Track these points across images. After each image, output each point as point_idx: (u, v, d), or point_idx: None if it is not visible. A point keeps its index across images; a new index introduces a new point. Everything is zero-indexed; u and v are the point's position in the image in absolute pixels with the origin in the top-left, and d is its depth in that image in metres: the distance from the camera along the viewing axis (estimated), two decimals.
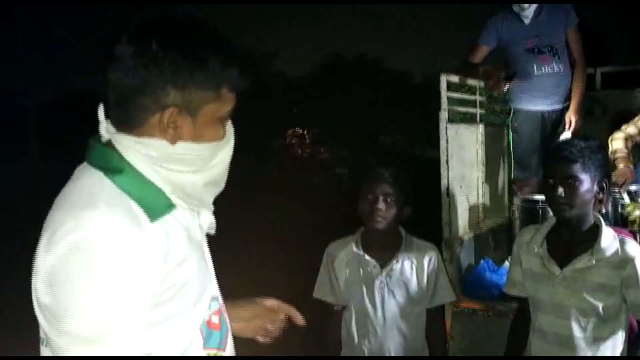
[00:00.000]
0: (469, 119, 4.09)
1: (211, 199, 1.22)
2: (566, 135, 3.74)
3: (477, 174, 4.01)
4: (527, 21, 3.83)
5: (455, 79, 3.72)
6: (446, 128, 3.45)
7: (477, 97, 4.10)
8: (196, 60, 1.07)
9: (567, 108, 3.91)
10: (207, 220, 1.23)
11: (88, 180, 1.08)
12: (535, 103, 3.91)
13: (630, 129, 3.64)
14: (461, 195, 3.70)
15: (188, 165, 1.12)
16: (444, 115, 3.46)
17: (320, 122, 16.38)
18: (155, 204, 1.08)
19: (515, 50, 3.91)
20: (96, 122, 1.14)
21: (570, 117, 3.78)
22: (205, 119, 1.11)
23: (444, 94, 3.52)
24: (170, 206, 1.12)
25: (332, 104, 15.73)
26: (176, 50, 1.06)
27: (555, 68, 3.84)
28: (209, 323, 1.17)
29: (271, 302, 1.50)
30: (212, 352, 1.17)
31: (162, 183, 1.11)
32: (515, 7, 3.82)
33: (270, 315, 1.48)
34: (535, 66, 3.85)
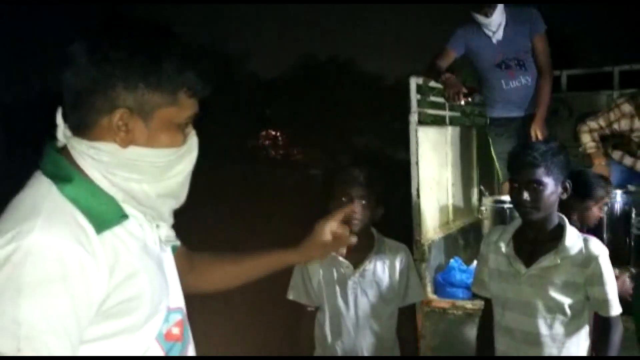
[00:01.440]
0: (439, 121, 4.14)
1: (168, 211, 1.16)
2: None
3: (446, 175, 4.07)
4: (491, 35, 3.85)
5: (425, 81, 3.76)
6: (416, 130, 3.48)
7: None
8: (149, 61, 1.04)
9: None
10: (165, 233, 1.18)
11: (35, 190, 1.05)
12: (509, 111, 3.99)
13: (592, 123, 3.77)
14: (431, 196, 3.74)
15: (141, 172, 1.08)
16: (413, 117, 3.50)
17: (293, 124, 16.37)
18: (105, 215, 1.04)
19: (483, 64, 3.97)
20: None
21: (536, 130, 3.80)
22: (159, 124, 1.07)
23: (414, 96, 3.55)
24: (122, 217, 1.07)
25: (305, 105, 15.75)
26: (128, 49, 1.03)
27: (523, 81, 3.90)
28: (167, 335, 1.13)
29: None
30: None
31: (114, 191, 1.07)
32: (480, 19, 3.80)
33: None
34: (503, 81, 3.92)
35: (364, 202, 2.27)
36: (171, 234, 1.22)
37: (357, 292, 2.33)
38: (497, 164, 4.16)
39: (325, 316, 2.37)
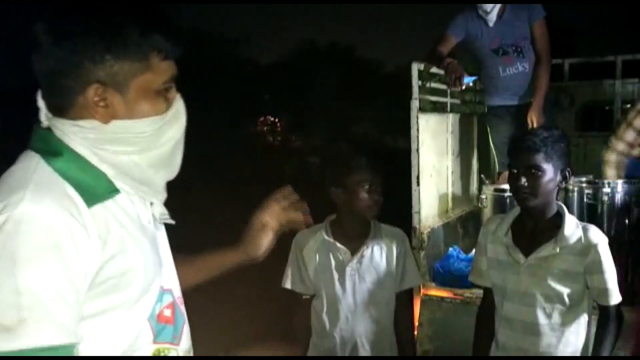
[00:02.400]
0: (440, 108, 4.11)
1: (161, 183, 1.15)
2: None
3: (447, 163, 4.05)
4: (490, 23, 3.86)
5: (426, 68, 3.73)
6: (417, 117, 3.46)
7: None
8: (110, 31, 1.02)
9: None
10: (159, 211, 1.17)
11: (25, 164, 1.04)
12: (507, 99, 3.98)
13: (619, 145, 3.55)
14: (431, 184, 3.73)
15: (129, 144, 1.07)
16: (415, 104, 3.47)
17: (292, 110, 16.33)
18: (95, 189, 1.03)
19: (481, 50, 3.96)
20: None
21: (532, 117, 3.81)
22: (138, 93, 1.05)
23: (415, 82, 3.53)
24: (113, 191, 1.06)
25: (304, 91, 15.70)
26: (86, 23, 1.02)
27: (520, 68, 3.89)
28: (159, 316, 1.11)
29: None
30: (164, 347, 1.12)
31: (105, 167, 1.06)
32: (479, 10, 3.84)
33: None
34: (500, 68, 3.90)
35: (371, 187, 2.26)
36: (164, 211, 1.20)
37: (355, 278, 2.32)
38: (494, 153, 4.14)
39: (323, 303, 2.36)
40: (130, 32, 1.03)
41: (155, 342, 1.10)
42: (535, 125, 3.77)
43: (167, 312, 1.14)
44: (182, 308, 1.21)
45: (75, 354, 0.96)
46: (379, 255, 2.35)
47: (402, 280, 2.39)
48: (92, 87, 1.02)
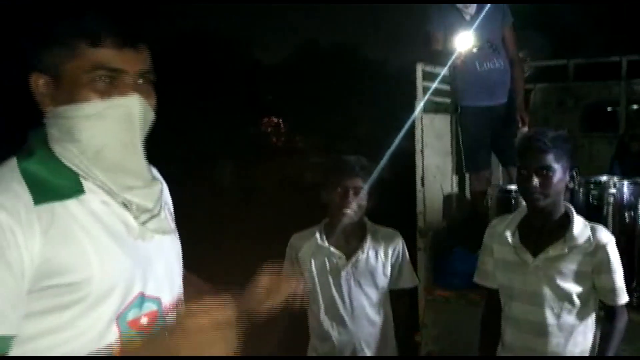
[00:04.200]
0: (443, 109, 4.10)
1: (120, 187, 1.08)
2: (523, 131, 3.79)
3: (450, 163, 4.03)
4: (467, 17, 3.86)
5: (430, 68, 3.73)
6: (421, 117, 3.45)
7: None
8: (37, 17, 1.05)
9: (510, 102, 3.96)
10: (155, 225, 1.14)
11: (2, 165, 1.07)
12: (481, 99, 3.93)
13: None
14: (435, 185, 3.72)
15: (76, 139, 1.04)
16: (419, 104, 3.46)
17: (295, 111, 16.33)
18: (57, 188, 1.03)
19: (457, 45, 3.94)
20: None
21: (521, 115, 3.87)
22: (71, 80, 1.03)
23: (420, 83, 3.52)
24: (78, 192, 1.05)
25: (307, 92, 15.70)
26: (20, 13, 1.04)
27: (497, 64, 3.89)
28: (133, 323, 1.08)
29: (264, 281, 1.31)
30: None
31: (73, 167, 1.06)
32: (459, 5, 3.86)
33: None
34: (477, 63, 3.87)
35: (359, 193, 2.25)
36: (164, 224, 1.18)
37: (351, 282, 2.31)
38: (463, 154, 4.03)
39: (320, 307, 2.35)
40: (57, 17, 1.02)
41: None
42: (525, 122, 3.85)
43: (144, 320, 1.10)
44: (170, 318, 1.16)
45: (8, 347, 0.96)
46: (374, 258, 2.34)
47: (398, 281, 2.38)
48: (33, 75, 1.04)
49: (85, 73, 1.03)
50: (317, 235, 2.35)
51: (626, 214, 3.26)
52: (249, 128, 16.48)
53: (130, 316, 1.08)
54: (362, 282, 2.31)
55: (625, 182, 3.32)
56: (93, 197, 1.07)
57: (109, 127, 1.05)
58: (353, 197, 2.24)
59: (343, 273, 2.31)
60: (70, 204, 1.04)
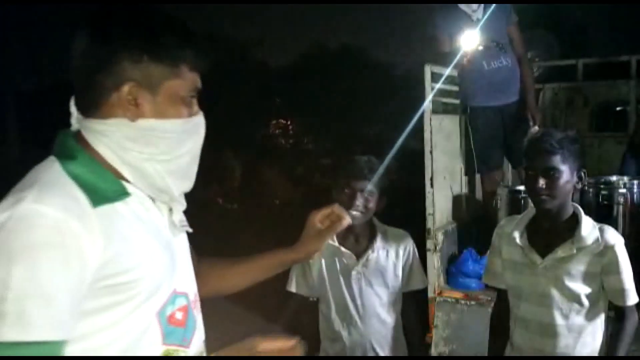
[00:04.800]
0: (451, 110, 4.10)
1: (177, 193, 1.18)
2: (534, 130, 3.78)
3: (460, 164, 4.04)
4: (474, 19, 3.88)
5: (439, 69, 3.73)
6: (430, 119, 3.46)
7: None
8: (151, 34, 1.09)
9: (521, 101, 3.96)
10: (179, 218, 1.21)
11: (40, 167, 1.08)
12: (491, 98, 3.94)
13: None
14: (445, 185, 3.72)
15: (152, 146, 1.11)
16: (428, 106, 3.47)
17: (304, 112, 16.33)
18: (104, 191, 1.06)
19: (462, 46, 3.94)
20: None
21: (533, 113, 3.86)
22: (166, 97, 1.11)
23: (428, 84, 3.53)
24: (123, 194, 1.09)
25: (316, 94, 15.70)
26: (129, 25, 1.09)
27: (504, 62, 3.89)
28: (170, 318, 1.13)
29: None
30: (172, 348, 1.13)
31: (126, 170, 1.11)
32: (463, 6, 3.88)
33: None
34: (484, 62, 3.88)
35: (367, 196, 2.26)
36: (184, 219, 1.24)
37: (362, 282, 2.32)
38: (474, 155, 4.06)
39: (330, 308, 2.36)
40: (167, 40, 1.10)
41: (164, 342, 1.12)
42: (536, 120, 3.83)
43: (179, 315, 1.16)
44: (196, 313, 1.23)
45: (61, 353, 0.97)
46: (384, 258, 2.35)
47: (408, 283, 2.39)
48: (127, 85, 1.07)
49: (183, 92, 1.13)
50: None
51: (636, 214, 3.26)
52: (258, 129, 16.50)
53: (168, 311, 1.13)
54: (373, 281, 2.32)
55: (635, 182, 3.31)
56: (133, 198, 1.11)
57: (188, 140, 1.16)
58: (361, 200, 2.25)
59: (353, 272, 2.32)
60: (118, 206, 1.08)
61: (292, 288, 2.40)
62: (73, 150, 1.09)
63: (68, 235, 0.97)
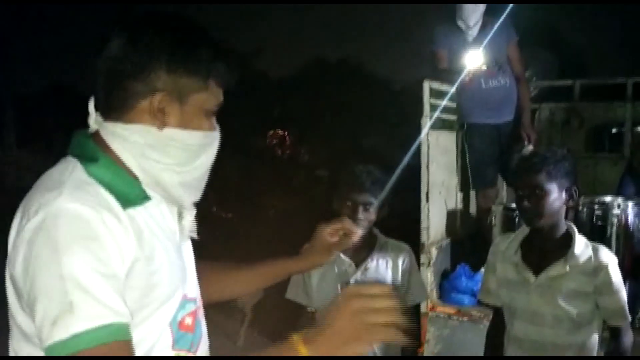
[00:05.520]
0: (449, 126, 4.13)
1: (189, 201, 1.20)
2: (529, 149, 3.80)
3: (455, 179, 4.05)
4: (470, 38, 3.92)
5: (437, 85, 3.76)
6: (427, 134, 3.47)
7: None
8: (188, 46, 1.10)
9: (517, 120, 3.99)
10: (189, 224, 1.22)
11: (61, 168, 1.08)
12: (487, 116, 3.97)
13: None
14: (440, 201, 3.73)
15: (172, 156, 1.12)
16: (425, 121, 3.48)
17: (301, 124, 16.37)
18: (127, 194, 1.07)
19: (462, 62, 3.95)
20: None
21: (528, 132, 3.90)
22: (193, 108, 1.12)
23: (427, 100, 3.55)
24: (145, 198, 1.10)
25: (314, 106, 15.75)
26: (168, 35, 1.09)
27: (502, 81, 3.93)
28: (181, 324, 1.14)
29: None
30: (181, 354, 1.14)
31: (142, 174, 1.11)
32: (460, 24, 3.92)
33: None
34: (482, 80, 3.91)
35: (368, 208, 2.25)
36: (194, 225, 1.25)
37: None
38: (469, 172, 4.07)
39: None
40: (203, 52, 1.11)
41: (174, 348, 1.12)
42: (531, 139, 3.87)
43: (189, 320, 1.16)
44: (202, 319, 1.23)
45: (130, 334, 0.98)
46: (383, 268, 2.34)
47: (408, 296, 2.37)
48: (159, 94, 1.08)
49: (208, 106, 1.15)
50: None
51: (630, 235, 3.27)
52: (255, 140, 16.52)
53: (179, 317, 1.14)
54: None
55: (630, 203, 3.33)
56: (152, 202, 1.12)
57: (204, 154, 1.17)
58: (363, 212, 2.24)
59: (352, 280, 2.31)
60: (140, 209, 1.08)
61: (291, 296, 2.39)
62: (93, 152, 1.09)
63: (107, 230, 0.98)
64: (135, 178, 1.11)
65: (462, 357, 3.07)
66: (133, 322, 1.01)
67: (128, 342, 0.98)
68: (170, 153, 1.11)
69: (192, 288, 1.21)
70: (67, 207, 0.97)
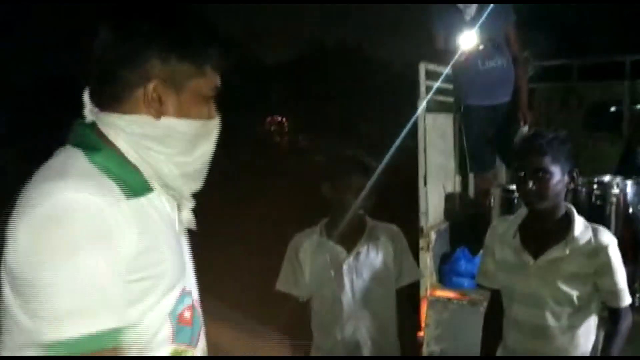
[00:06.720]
0: (446, 108, 4.09)
1: (188, 192, 1.19)
2: (524, 130, 3.78)
3: (453, 162, 4.02)
4: (468, 17, 3.87)
5: (433, 67, 3.72)
6: (424, 116, 3.44)
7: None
8: (180, 33, 1.09)
9: (513, 101, 3.95)
10: (187, 216, 1.21)
11: (63, 156, 1.06)
12: (484, 97, 3.93)
13: None
14: (438, 184, 3.71)
15: (171, 146, 1.10)
16: (422, 103, 3.45)
17: (298, 110, 16.34)
18: (131, 184, 1.06)
19: (459, 44, 3.91)
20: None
21: (524, 113, 3.87)
22: (189, 95, 1.10)
23: (423, 82, 3.51)
24: (148, 189, 1.10)
25: (311, 91, 15.71)
26: (159, 22, 1.08)
27: (499, 62, 3.89)
28: (180, 317, 1.13)
29: None
30: (181, 348, 1.13)
31: (143, 165, 1.10)
32: (460, 5, 3.88)
33: None
34: (479, 61, 3.87)
35: (359, 189, 2.25)
36: (191, 217, 1.24)
37: (353, 275, 2.32)
38: (467, 154, 4.05)
39: (322, 302, 2.35)
40: (196, 40, 1.10)
41: (173, 342, 1.12)
42: (526, 120, 3.84)
43: (187, 314, 1.16)
44: (200, 312, 1.23)
45: (120, 340, 0.97)
46: (375, 252, 2.35)
47: (401, 277, 2.39)
48: (153, 82, 1.06)
49: (205, 91, 1.13)
50: (318, 232, 2.38)
51: (629, 215, 3.25)
52: (253, 127, 16.49)
53: (178, 310, 1.13)
54: (364, 274, 2.32)
55: (629, 182, 3.31)
56: (154, 193, 1.12)
57: (203, 143, 1.15)
58: (355, 195, 2.25)
59: (344, 266, 2.32)
60: (143, 200, 1.07)
61: (282, 287, 2.38)
62: (96, 142, 1.08)
63: (111, 223, 0.97)
64: (136, 169, 1.09)
65: (462, 356, 3.07)
66: (135, 312, 1.01)
67: (121, 349, 0.98)
68: (169, 143, 1.10)
69: (189, 281, 1.20)
70: (76, 198, 0.95)
